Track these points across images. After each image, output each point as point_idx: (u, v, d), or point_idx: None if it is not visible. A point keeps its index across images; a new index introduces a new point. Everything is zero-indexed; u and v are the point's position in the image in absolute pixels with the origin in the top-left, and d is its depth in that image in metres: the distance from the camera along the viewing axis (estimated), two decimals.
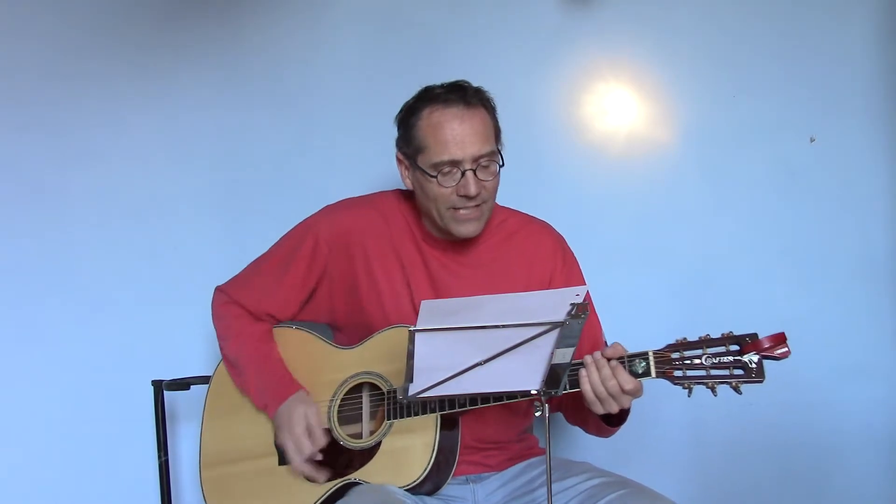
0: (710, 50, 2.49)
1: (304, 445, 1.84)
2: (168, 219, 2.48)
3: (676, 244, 2.48)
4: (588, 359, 1.68)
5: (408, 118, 1.87)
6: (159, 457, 2.27)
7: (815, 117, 2.46)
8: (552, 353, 1.52)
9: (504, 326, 1.47)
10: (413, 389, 1.56)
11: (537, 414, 1.60)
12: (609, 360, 1.67)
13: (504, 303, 1.49)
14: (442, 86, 1.86)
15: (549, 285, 1.92)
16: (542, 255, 1.97)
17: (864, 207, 2.46)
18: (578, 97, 2.52)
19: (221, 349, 2.03)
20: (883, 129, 2.45)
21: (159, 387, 2.25)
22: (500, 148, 1.87)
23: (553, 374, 1.56)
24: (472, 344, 1.50)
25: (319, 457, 1.85)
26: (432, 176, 1.82)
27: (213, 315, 2.05)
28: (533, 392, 1.59)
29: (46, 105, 2.45)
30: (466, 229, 1.86)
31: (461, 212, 1.84)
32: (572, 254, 2.02)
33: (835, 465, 2.46)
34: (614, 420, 1.78)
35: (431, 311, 1.45)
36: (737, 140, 2.48)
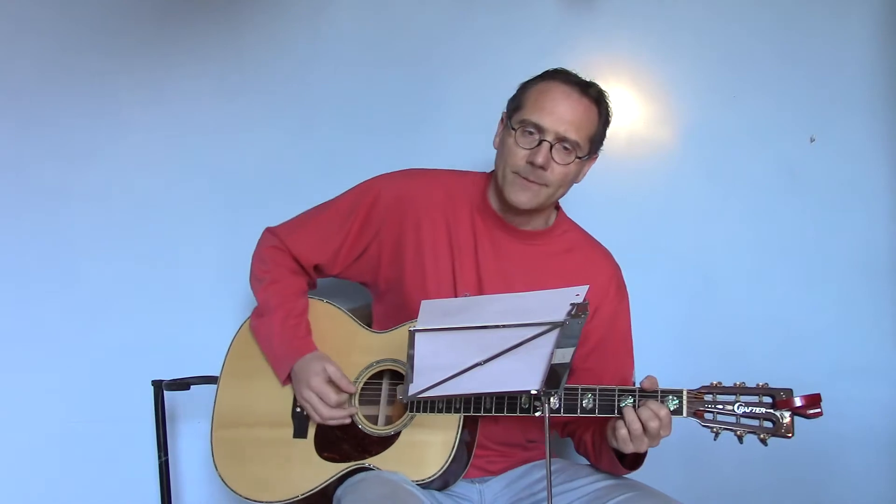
0: (710, 50, 2.49)
1: (327, 393, 1.82)
2: (168, 219, 2.48)
3: (676, 244, 2.47)
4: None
5: (527, 83, 1.89)
6: (159, 457, 2.27)
7: (815, 117, 2.46)
8: (552, 353, 1.52)
9: (504, 326, 1.47)
10: (413, 389, 1.56)
11: (537, 414, 1.59)
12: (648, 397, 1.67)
13: (504, 303, 1.49)
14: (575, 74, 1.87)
15: (594, 314, 1.86)
16: (596, 283, 1.81)
17: (865, 207, 2.46)
18: None
19: (252, 288, 2.01)
20: (883, 128, 2.45)
21: (159, 387, 2.24)
22: (589, 149, 1.86)
23: (553, 374, 1.55)
24: (472, 344, 1.50)
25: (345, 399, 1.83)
26: (513, 128, 1.83)
27: (255, 253, 2.03)
28: (533, 392, 1.59)
29: (46, 105, 2.45)
30: (519, 197, 1.84)
31: (521, 179, 1.83)
32: (626, 289, 1.99)
33: (835, 465, 2.46)
34: (628, 461, 1.76)
35: (432, 310, 1.45)
36: (737, 140, 2.47)
